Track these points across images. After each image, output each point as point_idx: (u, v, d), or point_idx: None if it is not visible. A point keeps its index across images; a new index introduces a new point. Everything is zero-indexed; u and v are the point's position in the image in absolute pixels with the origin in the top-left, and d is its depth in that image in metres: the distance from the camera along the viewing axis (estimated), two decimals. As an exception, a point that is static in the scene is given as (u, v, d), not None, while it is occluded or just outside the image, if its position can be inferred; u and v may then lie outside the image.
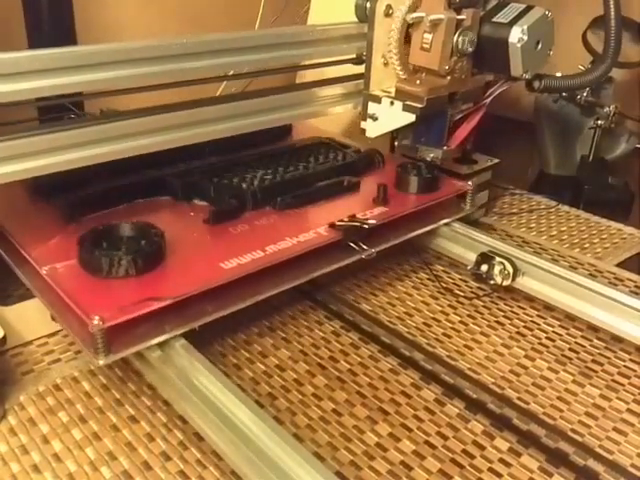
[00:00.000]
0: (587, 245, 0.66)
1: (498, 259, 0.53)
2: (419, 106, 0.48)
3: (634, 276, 0.60)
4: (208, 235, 0.47)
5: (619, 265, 0.62)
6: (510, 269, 0.52)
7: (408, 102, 0.49)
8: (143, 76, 0.41)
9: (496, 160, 0.71)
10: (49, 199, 0.50)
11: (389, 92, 0.51)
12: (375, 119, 0.51)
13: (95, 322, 0.36)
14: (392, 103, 0.50)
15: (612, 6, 0.50)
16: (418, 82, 0.50)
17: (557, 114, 0.87)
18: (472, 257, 0.55)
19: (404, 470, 0.37)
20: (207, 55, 0.44)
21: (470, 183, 0.59)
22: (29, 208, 0.50)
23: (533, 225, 0.70)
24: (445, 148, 0.54)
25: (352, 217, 0.50)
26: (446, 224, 0.58)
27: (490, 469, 0.38)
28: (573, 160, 0.88)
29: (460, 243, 0.58)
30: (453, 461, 0.38)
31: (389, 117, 0.50)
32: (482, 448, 0.39)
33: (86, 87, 0.40)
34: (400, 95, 0.50)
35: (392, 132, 0.58)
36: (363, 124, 0.52)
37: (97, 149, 0.41)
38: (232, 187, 0.52)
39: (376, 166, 0.62)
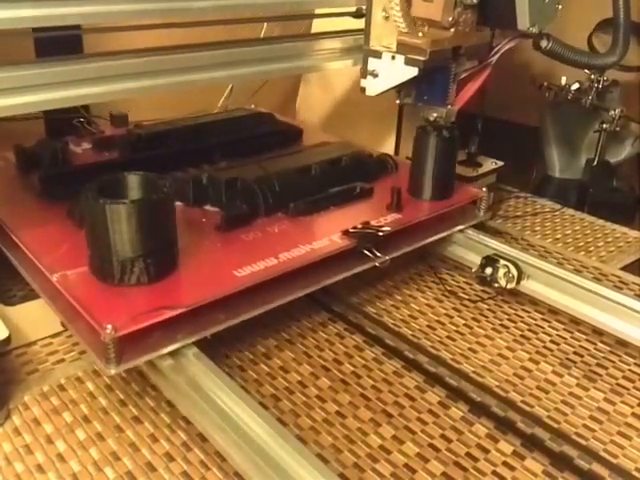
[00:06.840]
0: (592, 248, 0.66)
1: (503, 262, 0.53)
2: (422, 59, 0.46)
3: (639, 280, 0.60)
4: (220, 242, 0.47)
5: (624, 269, 0.62)
6: (514, 272, 0.52)
7: (410, 55, 0.46)
8: (141, 13, 0.40)
9: (500, 163, 0.71)
10: (58, 203, 0.49)
11: (390, 48, 0.48)
12: (375, 76, 0.48)
13: (108, 331, 0.35)
14: (393, 57, 0.47)
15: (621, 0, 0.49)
16: (420, 35, 0.47)
17: (562, 117, 0.87)
18: (476, 260, 0.55)
19: (407, 473, 0.37)
20: None
21: (485, 189, 0.59)
22: (38, 212, 0.50)
23: (538, 228, 0.70)
24: (449, 107, 0.52)
25: (366, 224, 0.49)
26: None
27: (494, 472, 0.37)
28: (578, 163, 0.88)
29: (464, 246, 0.58)
30: (457, 464, 0.38)
31: (390, 73, 0.48)
32: (486, 451, 0.39)
33: (84, 19, 0.38)
34: (402, 49, 0.47)
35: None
36: (363, 82, 0.49)
37: (96, 87, 0.39)
38: (244, 193, 0.51)
39: (389, 171, 0.61)
